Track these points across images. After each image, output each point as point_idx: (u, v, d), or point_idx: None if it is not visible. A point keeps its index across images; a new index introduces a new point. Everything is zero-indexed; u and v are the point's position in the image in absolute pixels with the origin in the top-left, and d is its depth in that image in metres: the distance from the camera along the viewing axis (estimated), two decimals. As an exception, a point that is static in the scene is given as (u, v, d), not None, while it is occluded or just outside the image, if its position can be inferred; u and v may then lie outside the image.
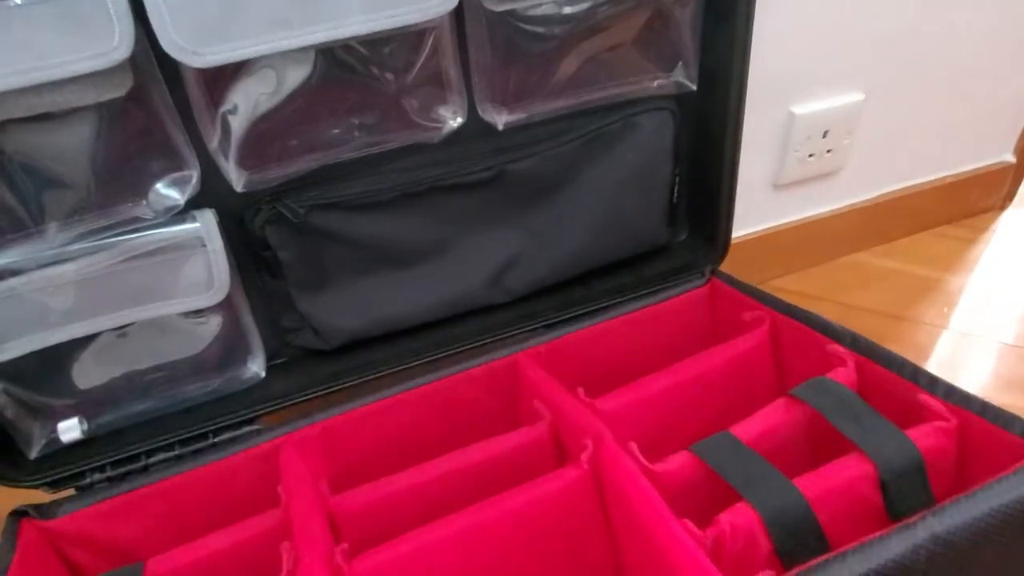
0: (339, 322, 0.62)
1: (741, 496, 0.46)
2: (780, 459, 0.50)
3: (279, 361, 0.64)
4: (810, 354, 0.60)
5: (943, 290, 0.97)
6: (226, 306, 0.58)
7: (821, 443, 0.53)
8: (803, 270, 0.99)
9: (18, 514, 0.54)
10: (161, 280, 0.54)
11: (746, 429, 0.52)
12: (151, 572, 0.51)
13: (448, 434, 0.66)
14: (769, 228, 0.93)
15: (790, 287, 0.97)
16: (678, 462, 0.50)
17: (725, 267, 0.72)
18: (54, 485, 0.57)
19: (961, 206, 1.05)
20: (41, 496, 0.57)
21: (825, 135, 0.86)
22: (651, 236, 0.69)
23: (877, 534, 0.40)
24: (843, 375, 0.55)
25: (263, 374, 0.61)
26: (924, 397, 0.51)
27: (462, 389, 0.63)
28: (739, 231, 0.91)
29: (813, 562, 0.39)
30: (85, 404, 0.57)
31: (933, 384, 0.51)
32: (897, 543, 0.39)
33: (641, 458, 0.50)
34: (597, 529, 0.54)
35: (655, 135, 0.64)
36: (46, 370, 0.55)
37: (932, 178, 1.00)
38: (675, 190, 0.68)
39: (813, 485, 0.47)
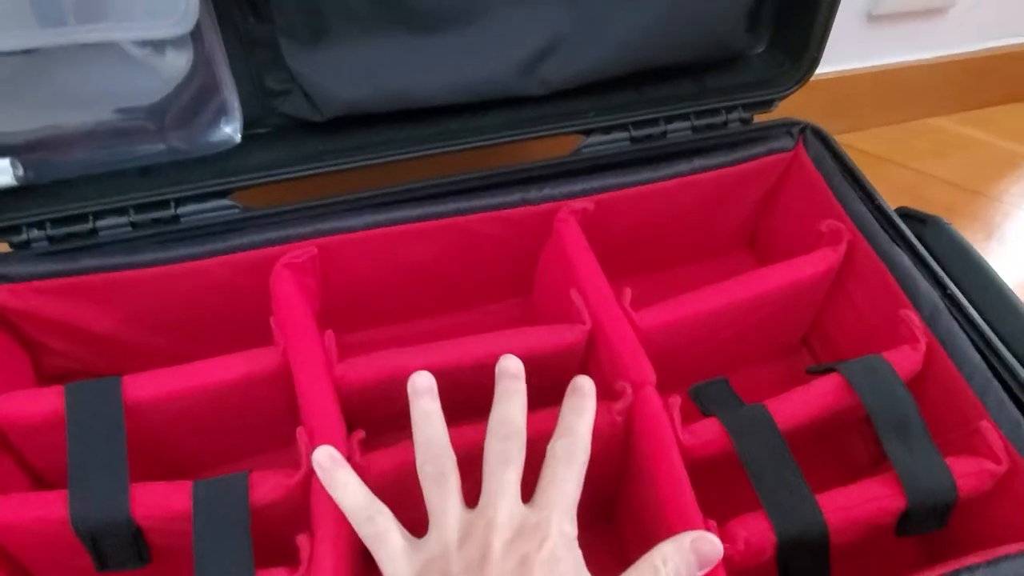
0: (336, 88, 0.51)
1: (762, 505, 0.41)
2: (801, 435, 0.45)
3: (260, 131, 0.53)
4: (876, 301, 0.51)
5: (1028, 169, 0.85)
6: (196, 45, 0.47)
7: (846, 415, 0.47)
8: (876, 127, 0.87)
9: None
10: (115, -6, 0.42)
11: (785, 411, 0.45)
12: (131, 396, 0.43)
13: (463, 270, 0.57)
14: (850, 70, 0.80)
15: (860, 145, 0.85)
16: (707, 436, 0.44)
17: (794, 109, 0.59)
18: (-17, 237, 0.48)
19: (1068, 78, 0.91)
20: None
21: (943, -43, 0.71)
22: (725, 39, 0.57)
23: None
24: (907, 359, 0.47)
25: (238, 139, 0.51)
26: (985, 425, 0.43)
27: (487, 227, 0.54)
28: (820, 68, 0.78)
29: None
30: (19, 144, 0.47)
31: (1000, 409, 0.43)
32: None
33: (679, 424, 0.43)
34: (605, 470, 0.47)
35: (756, -102, 0.50)
36: (-31, 93, 0.45)
37: (1045, 39, 0.86)
38: (765, -19, 0.55)
39: (838, 510, 0.41)
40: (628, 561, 0.37)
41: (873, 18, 0.75)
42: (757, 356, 0.60)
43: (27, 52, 0.43)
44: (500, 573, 0.33)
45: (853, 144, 0.85)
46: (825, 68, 0.78)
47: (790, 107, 0.60)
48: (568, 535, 0.35)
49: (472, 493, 0.38)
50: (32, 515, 0.40)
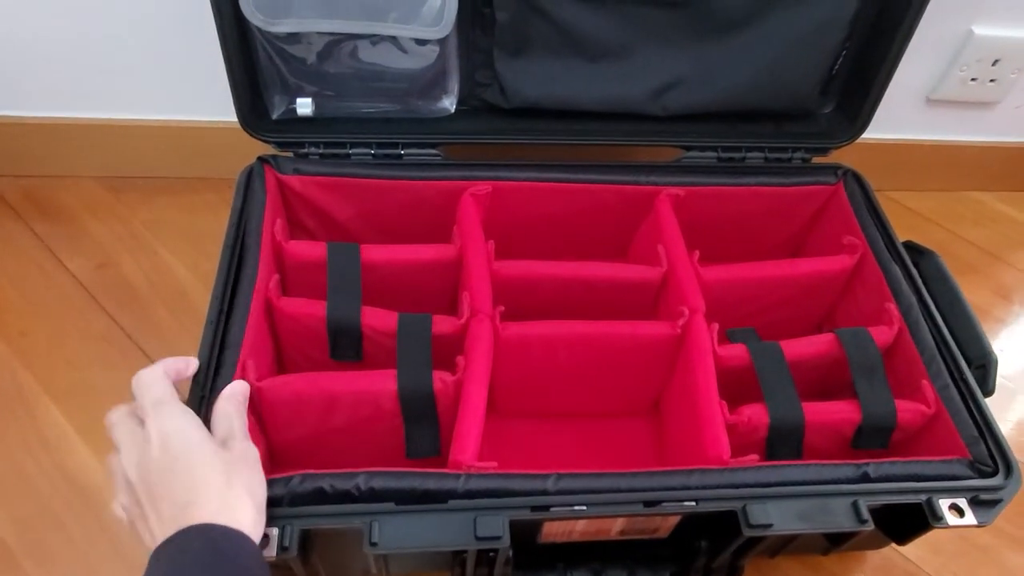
0: (523, 88, 0.74)
1: (763, 399, 0.61)
2: (804, 373, 0.64)
3: (465, 108, 0.77)
4: (872, 298, 0.70)
5: (1051, 249, 1.01)
6: (442, 45, 0.71)
7: (837, 372, 0.66)
8: (926, 191, 1.05)
9: (262, 160, 0.72)
10: (408, 8, 0.67)
11: (792, 348, 0.65)
12: (364, 257, 0.67)
13: (583, 227, 0.79)
14: (909, 140, 0.98)
15: (908, 203, 1.03)
16: (735, 352, 0.64)
17: (860, 165, 0.78)
18: (282, 145, 0.73)
19: (1103, 179, 1.07)
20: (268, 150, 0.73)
21: (995, 64, 0.89)
22: (803, 97, 0.77)
23: (831, 462, 0.55)
24: (883, 334, 0.66)
25: (452, 110, 0.75)
26: (925, 383, 0.62)
27: (606, 196, 0.76)
28: (882, 134, 0.97)
29: (783, 462, 0.55)
30: (319, 91, 0.72)
31: (937, 375, 0.62)
32: (841, 470, 0.55)
33: (716, 340, 0.64)
34: (660, 369, 0.69)
35: (839, 3, 0.71)
36: (301, 53, 0.70)
37: (1085, 143, 1.02)
38: (838, 61, 0.75)
39: (813, 412, 0.61)
40: (666, 441, 0.59)
41: (931, 101, 0.94)
42: (785, 333, 0.79)
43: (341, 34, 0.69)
44: None
45: (903, 201, 1.03)
46: (889, 135, 0.98)
47: (858, 160, 0.78)
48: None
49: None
50: (302, 311, 0.64)
